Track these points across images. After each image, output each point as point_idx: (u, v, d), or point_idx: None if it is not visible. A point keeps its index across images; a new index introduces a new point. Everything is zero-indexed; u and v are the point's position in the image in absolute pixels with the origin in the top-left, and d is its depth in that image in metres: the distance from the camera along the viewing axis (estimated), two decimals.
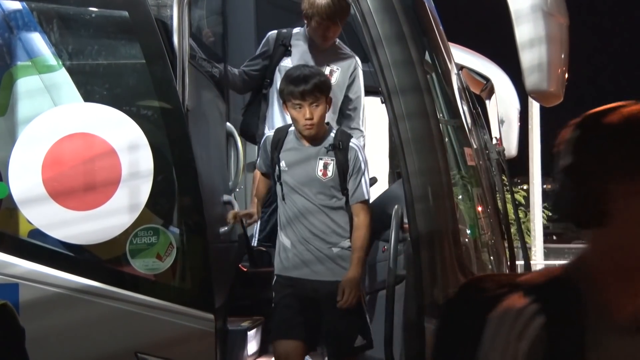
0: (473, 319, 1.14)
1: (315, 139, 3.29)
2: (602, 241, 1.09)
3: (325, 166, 3.33)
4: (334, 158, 3.31)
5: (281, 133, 3.47)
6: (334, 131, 3.39)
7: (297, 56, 3.88)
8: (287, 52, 3.91)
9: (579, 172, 1.07)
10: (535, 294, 1.11)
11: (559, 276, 1.14)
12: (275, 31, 4.06)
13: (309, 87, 3.25)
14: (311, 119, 3.21)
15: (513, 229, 4.96)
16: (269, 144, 3.40)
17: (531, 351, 1.08)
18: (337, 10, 3.69)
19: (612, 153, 1.02)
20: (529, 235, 9.46)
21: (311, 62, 3.79)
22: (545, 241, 11.02)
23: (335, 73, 3.96)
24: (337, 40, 4.06)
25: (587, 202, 1.07)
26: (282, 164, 3.32)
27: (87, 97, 3.16)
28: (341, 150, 3.32)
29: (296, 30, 3.98)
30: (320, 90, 3.28)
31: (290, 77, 3.33)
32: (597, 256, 1.11)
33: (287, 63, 3.81)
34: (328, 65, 3.86)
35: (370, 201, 3.59)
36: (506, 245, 4.05)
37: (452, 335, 1.21)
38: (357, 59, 4.05)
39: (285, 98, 3.33)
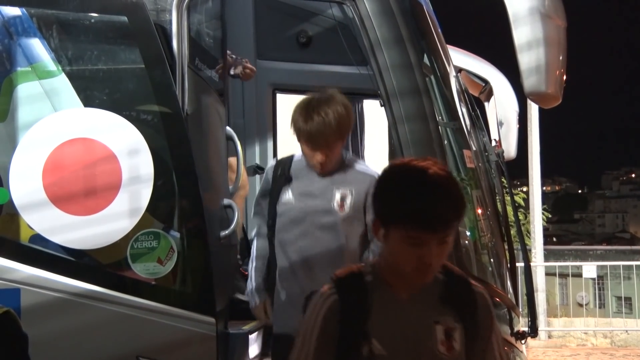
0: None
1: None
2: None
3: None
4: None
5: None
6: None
7: (298, 189, 3.22)
8: (288, 183, 3.29)
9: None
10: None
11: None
12: (274, 162, 3.51)
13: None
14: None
15: (513, 231, 5.00)
16: None
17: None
18: (331, 133, 3.04)
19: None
20: (529, 237, 9.47)
21: (315, 191, 3.19)
22: (545, 243, 10.98)
23: (348, 197, 3.22)
24: (348, 153, 3.42)
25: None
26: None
27: (87, 102, 3.15)
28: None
29: (297, 157, 3.31)
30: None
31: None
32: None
33: (286, 199, 3.22)
34: (338, 190, 3.16)
35: None
36: (506, 247, 4.06)
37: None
38: (375, 174, 3.14)
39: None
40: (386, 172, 1.78)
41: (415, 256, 1.62)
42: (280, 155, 4.08)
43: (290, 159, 3.36)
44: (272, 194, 3.32)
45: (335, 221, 3.18)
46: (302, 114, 3.06)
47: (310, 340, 1.75)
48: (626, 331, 9.73)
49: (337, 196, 3.19)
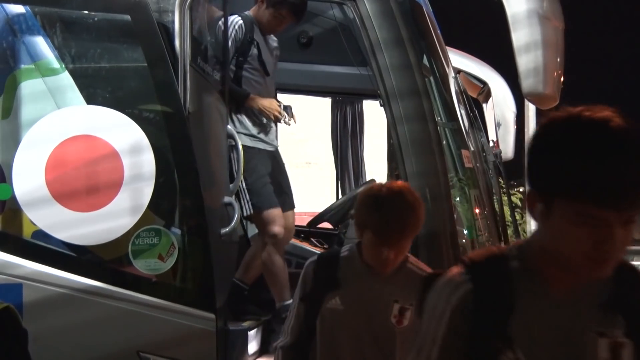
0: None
1: None
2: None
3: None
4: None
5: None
6: None
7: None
8: None
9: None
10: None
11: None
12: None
13: None
14: None
15: (510, 231, 5.06)
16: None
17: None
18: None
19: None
20: (525, 237, 9.58)
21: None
22: None
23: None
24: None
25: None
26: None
27: (90, 99, 3.20)
28: None
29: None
30: None
31: None
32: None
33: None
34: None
35: None
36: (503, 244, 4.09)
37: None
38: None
39: None
40: (550, 124, 1.25)
41: (590, 241, 1.18)
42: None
43: (342, 252, 2.71)
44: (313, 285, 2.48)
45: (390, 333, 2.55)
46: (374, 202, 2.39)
47: (435, 340, 1.35)
48: None
49: (395, 307, 2.50)
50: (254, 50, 3.93)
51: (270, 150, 4.13)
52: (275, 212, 3.84)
